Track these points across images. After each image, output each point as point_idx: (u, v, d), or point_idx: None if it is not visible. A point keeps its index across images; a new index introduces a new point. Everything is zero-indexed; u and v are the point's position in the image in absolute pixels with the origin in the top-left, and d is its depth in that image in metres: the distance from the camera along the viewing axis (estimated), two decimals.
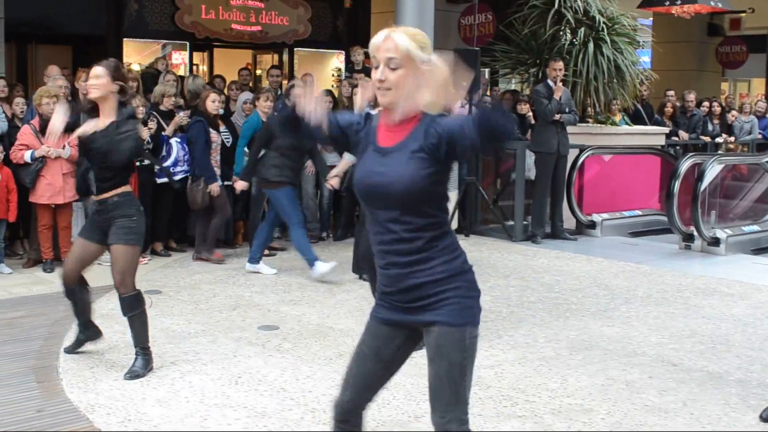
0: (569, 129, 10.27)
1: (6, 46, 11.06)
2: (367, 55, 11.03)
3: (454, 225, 10.08)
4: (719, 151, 13.80)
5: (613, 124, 12.13)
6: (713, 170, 10.11)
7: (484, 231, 10.66)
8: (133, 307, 5.20)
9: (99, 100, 5.15)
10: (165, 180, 8.63)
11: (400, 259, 2.93)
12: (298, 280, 7.84)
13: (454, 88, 2.91)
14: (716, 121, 14.51)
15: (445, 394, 2.93)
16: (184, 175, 8.73)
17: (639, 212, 11.60)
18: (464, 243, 9.75)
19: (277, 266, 8.27)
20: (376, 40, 2.93)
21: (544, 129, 10.06)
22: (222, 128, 8.99)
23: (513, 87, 14.46)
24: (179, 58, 14.68)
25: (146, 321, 5.28)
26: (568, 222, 10.76)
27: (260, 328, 6.30)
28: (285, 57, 15.57)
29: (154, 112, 8.65)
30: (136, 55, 14.24)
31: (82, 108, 5.36)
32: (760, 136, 14.91)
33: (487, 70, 13.94)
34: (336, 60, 16.17)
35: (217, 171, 8.66)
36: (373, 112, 3.06)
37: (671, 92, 14.26)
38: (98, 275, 5.94)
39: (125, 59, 13.18)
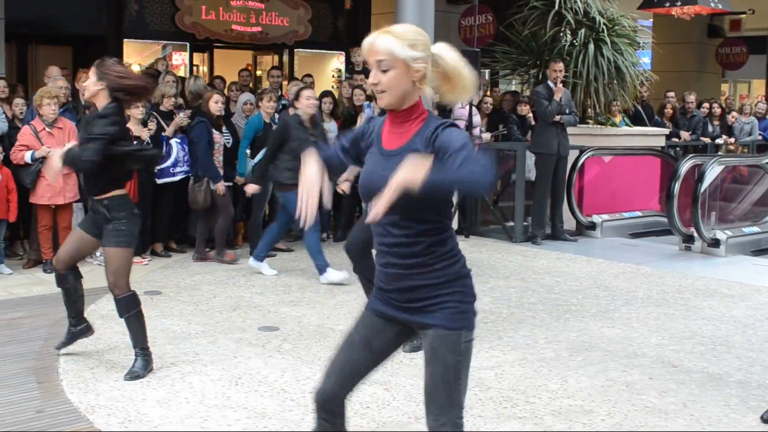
0: (569, 130, 10.28)
1: (6, 46, 11.07)
2: None
3: (454, 225, 10.06)
4: (719, 153, 13.80)
5: (614, 125, 12.13)
6: (713, 171, 10.12)
7: (485, 232, 10.66)
8: (129, 307, 5.20)
9: (91, 100, 5.16)
10: (165, 180, 8.63)
11: (400, 261, 2.93)
12: (298, 281, 7.84)
13: (468, 76, 2.91)
14: (716, 123, 14.52)
15: (439, 397, 2.93)
16: (184, 175, 8.74)
17: (639, 213, 11.60)
18: (464, 244, 9.78)
19: (277, 267, 8.27)
20: (364, 43, 2.94)
21: (545, 130, 10.06)
22: (222, 129, 8.99)
23: (513, 88, 14.47)
24: (179, 59, 14.68)
25: (143, 321, 5.28)
26: (569, 223, 10.76)
27: (260, 329, 6.29)
28: (285, 58, 15.57)
29: (154, 113, 8.65)
30: (137, 55, 14.24)
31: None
32: (760, 138, 14.92)
33: (487, 71, 13.93)
34: (336, 61, 16.17)
35: (221, 171, 8.65)
36: (373, 112, 3.07)
37: (671, 93, 14.26)
38: (97, 276, 5.95)
39: (125, 60, 13.17)
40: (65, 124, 8.06)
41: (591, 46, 11.51)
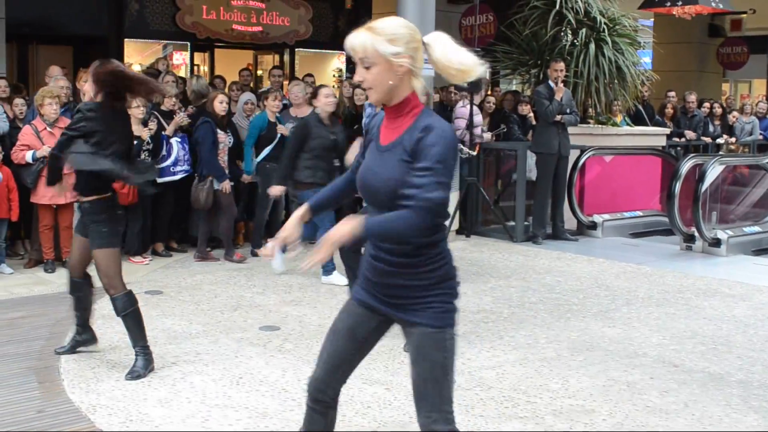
0: (570, 130, 10.28)
1: (7, 46, 11.09)
2: None
3: (456, 225, 10.08)
4: (720, 152, 13.80)
5: (614, 124, 12.12)
6: (714, 171, 10.12)
7: (485, 232, 10.66)
8: (125, 306, 5.20)
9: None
10: (166, 179, 8.63)
11: (389, 258, 2.95)
12: (299, 280, 7.84)
13: (460, 60, 2.91)
14: (717, 122, 14.52)
15: (429, 395, 2.96)
16: (184, 175, 8.75)
17: (640, 213, 11.60)
18: (465, 243, 9.77)
19: (279, 267, 8.26)
20: (346, 41, 2.94)
21: (545, 130, 10.06)
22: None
23: (514, 88, 14.47)
24: (180, 59, 14.70)
25: (141, 320, 5.28)
26: (569, 223, 10.76)
27: (261, 328, 6.29)
28: (286, 57, 15.58)
29: (155, 112, 8.66)
30: (137, 55, 14.26)
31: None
32: (761, 137, 14.92)
33: (488, 71, 13.90)
34: (337, 60, 16.19)
35: (226, 171, 8.65)
36: (375, 110, 3.09)
37: (672, 93, 14.26)
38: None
39: (126, 60, 13.19)
40: (66, 124, 8.05)
41: (592, 46, 11.51)
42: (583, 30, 11.70)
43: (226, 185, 8.51)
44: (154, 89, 5.60)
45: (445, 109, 11.13)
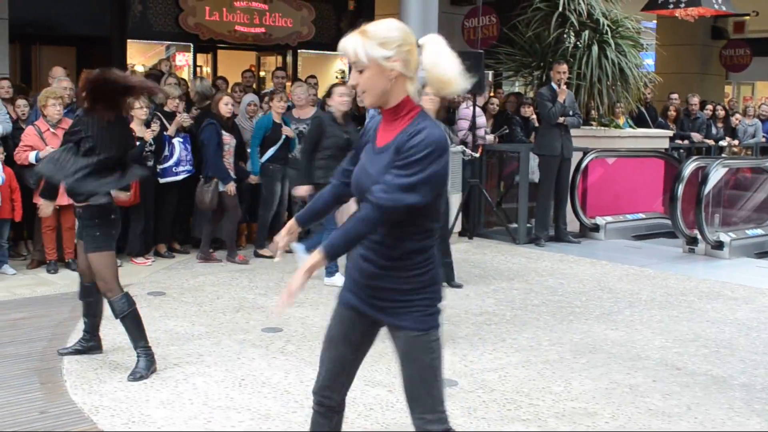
0: (573, 132, 10.27)
1: (10, 46, 11.09)
2: None
3: (458, 227, 10.07)
4: (723, 155, 13.79)
5: (617, 127, 12.12)
6: (717, 173, 10.11)
7: (488, 234, 10.66)
8: (123, 309, 5.21)
9: None
10: (168, 180, 8.64)
11: (377, 259, 2.96)
12: None
13: (448, 71, 2.88)
14: (720, 125, 14.51)
15: (421, 396, 2.99)
16: (186, 175, 8.75)
17: (643, 215, 11.59)
18: (468, 245, 9.76)
19: (279, 268, 8.26)
20: (339, 45, 2.96)
21: (548, 132, 10.05)
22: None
23: (517, 89, 14.46)
24: (183, 60, 14.72)
25: (140, 321, 5.28)
26: (572, 225, 10.75)
27: (264, 330, 6.29)
28: (289, 59, 15.59)
29: (158, 113, 8.66)
30: (140, 56, 14.28)
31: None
32: (764, 140, 14.92)
33: (490, 73, 13.93)
34: (340, 62, 16.20)
35: (231, 173, 8.65)
36: (378, 111, 3.09)
37: (675, 95, 14.26)
38: None
39: (129, 60, 13.21)
40: (69, 125, 8.06)
41: (595, 48, 11.50)
42: (586, 32, 11.69)
43: (231, 188, 8.52)
44: (144, 90, 5.60)
45: (449, 111, 11.12)
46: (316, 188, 7.58)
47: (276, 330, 6.28)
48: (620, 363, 5.71)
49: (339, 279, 7.69)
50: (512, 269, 8.77)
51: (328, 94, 8.05)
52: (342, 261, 7.95)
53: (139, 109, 8.25)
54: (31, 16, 11.88)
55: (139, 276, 7.95)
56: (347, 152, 8.45)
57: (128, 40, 13.37)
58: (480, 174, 10.60)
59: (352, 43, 2.89)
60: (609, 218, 11.04)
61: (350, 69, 3.05)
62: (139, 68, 13.06)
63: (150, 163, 8.46)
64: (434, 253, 2.99)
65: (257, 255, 8.86)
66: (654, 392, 5.16)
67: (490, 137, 10.98)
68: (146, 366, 5.20)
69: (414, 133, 2.83)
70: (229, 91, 10.67)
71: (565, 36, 11.87)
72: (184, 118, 8.79)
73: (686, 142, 13.55)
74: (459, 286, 7.74)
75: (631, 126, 12.72)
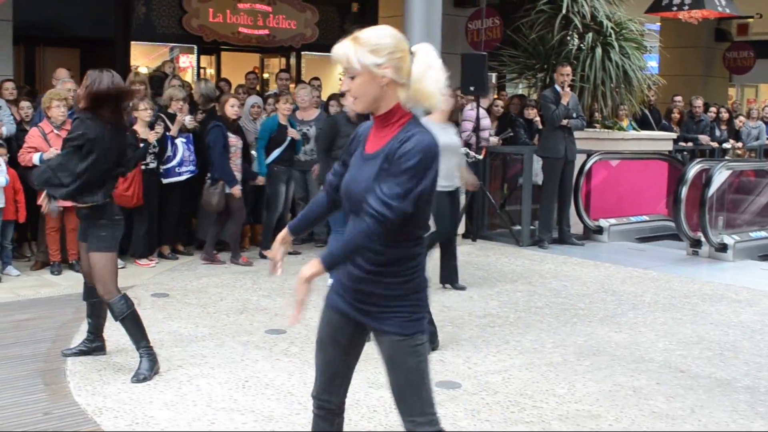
0: (577, 134, 10.27)
1: (14, 48, 11.10)
2: None
3: (462, 229, 10.07)
4: (727, 157, 13.78)
5: (621, 129, 12.11)
6: (721, 176, 10.11)
7: (491, 236, 10.66)
8: (122, 310, 5.21)
9: None
10: (171, 180, 8.65)
11: (365, 265, 2.96)
12: None
13: (431, 86, 2.89)
14: (724, 127, 14.50)
15: (411, 400, 2.98)
16: (189, 175, 8.76)
17: (646, 218, 11.59)
18: (471, 247, 9.77)
19: (285, 269, 8.24)
20: (332, 51, 2.98)
21: (552, 134, 10.05)
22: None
23: (520, 92, 14.47)
24: (187, 62, 14.72)
25: (139, 321, 5.28)
26: (576, 227, 10.74)
27: (267, 331, 6.29)
28: (292, 61, 15.59)
29: (162, 115, 8.67)
30: (144, 58, 14.28)
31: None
32: (767, 142, 14.89)
33: (494, 75, 13.92)
34: None
35: (238, 175, 8.67)
36: None
37: (678, 98, 14.25)
38: None
39: (133, 62, 13.21)
40: None
41: (598, 50, 11.50)
42: (590, 34, 11.69)
43: (236, 191, 8.52)
44: (127, 96, 5.62)
45: (453, 112, 11.10)
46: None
47: (279, 332, 6.28)
48: (624, 365, 5.71)
49: None
50: (516, 271, 8.77)
51: (342, 94, 8.08)
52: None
53: (144, 111, 8.27)
54: (36, 18, 11.89)
55: (142, 277, 7.96)
56: None
57: (132, 42, 13.37)
58: (483, 176, 10.59)
59: (344, 49, 2.91)
60: (612, 220, 11.04)
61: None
62: (143, 70, 13.07)
63: (153, 165, 8.48)
64: (422, 261, 3.00)
65: (262, 256, 8.86)
66: (658, 395, 5.15)
67: (494, 139, 10.98)
68: (149, 367, 5.20)
69: (404, 140, 2.84)
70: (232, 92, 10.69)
71: (568, 38, 11.88)
72: (189, 121, 8.80)
73: (690, 144, 13.54)
74: (462, 288, 7.74)
75: (634, 128, 12.71)
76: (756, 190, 11.41)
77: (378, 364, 5.21)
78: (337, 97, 9.28)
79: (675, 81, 16.52)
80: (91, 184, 5.15)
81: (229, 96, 8.99)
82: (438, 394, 5.04)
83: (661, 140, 12.54)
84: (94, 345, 5.61)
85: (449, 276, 7.78)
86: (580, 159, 10.59)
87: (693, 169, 9.98)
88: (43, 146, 7.86)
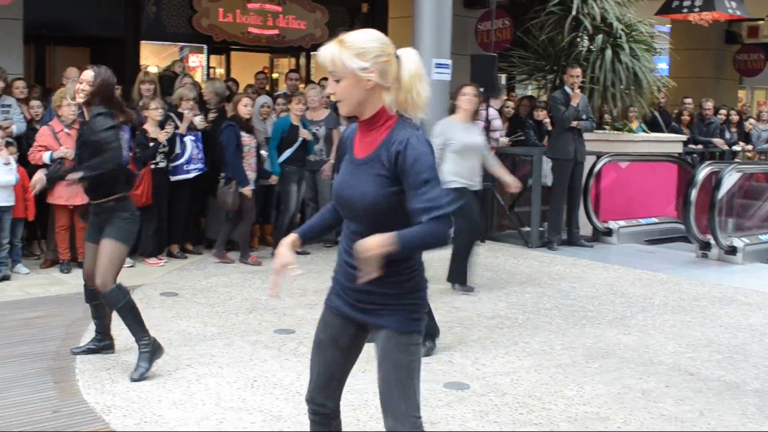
0: (586, 136, 10.24)
1: (25, 47, 11.13)
2: None
3: None
4: (736, 160, 13.74)
5: (630, 131, 12.10)
6: (731, 178, 10.08)
7: (500, 237, 10.65)
8: (118, 298, 5.19)
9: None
10: (179, 177, 8.67)
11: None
12: (313, 284, 7.84)
13: (420, 93, 2.89)
14: (734, 129, 14.47)
15: (394, 397, 2.97)
16: (198, 173, 8.79)
17: (656, 220, 11.57)
18: (480, 249, 9.78)
19: (292, 270, 8.25)
20: (317, 54, 2.97)
21: (561, 136, 10.03)
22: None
23: (530, 93, 14.46)
24: (196, 61, 14.75)
25: (136, 311, 5.27)
26: (585, 229, 10.72)
27: (276, 331, 6.30)
28: (302, 61, 15.61)
29: (172, 114, 8.69)
30: (154, 57, 14.31)
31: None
32: None
33: (504, 76, 13.90)
34: None
35: (252, 175, 8.69)
36: None
37: (688, 100, 14.22)
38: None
39: (143, 62, 13.24)
40: None
41: (608, 52, 11.49)
42: (600, 36, 11.68)
43: (247, 191, 8.53)
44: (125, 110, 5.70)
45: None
46: None
47: (288, 331, 6.29)
48: (633, 368, 5.69)
49: None
50: (525, 273, 8.76)
51: None
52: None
53: (154, 110, 8.29)
54: (46, 18, 11.92)
55: (151, 276, 7.97)
56: None
57: (142, 42, 13.40)
58: (493, 177, 10.56)
59: (329, 52, 2.89)
60: (622, 222, 11.02)
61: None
62: (153, 69, 13.09)
63: (162, 165, 8.49)
64: (419, 260, 3.01)
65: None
66: (667, 397, 5.14)
67: (504, 140, 10.96)
68: (147, 359, 5.18)
69: (404, 145, 2.83)
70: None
71: (578, 40, 11.86)
72: (198, 121, 8.82)
73: (700, 146, 13.51)
74: (471, 290, 7.73)
75: (644, 130, 12.69)
76: (766, 193, 11.38)
77: None
78: None
79: (685, 83, 16.49)
80: (120, 175, 5.22)
81: (242, 95, 9.00)
82: (446, 395, 5.06)
83: (671, 142, 12.51)
84: (103, 343, 5.63)
85: (459, 277, 7.74)
86: (589, 161, 10.57)
87: (703, 172, 9.96)
88: (54, 145, 7.88)
